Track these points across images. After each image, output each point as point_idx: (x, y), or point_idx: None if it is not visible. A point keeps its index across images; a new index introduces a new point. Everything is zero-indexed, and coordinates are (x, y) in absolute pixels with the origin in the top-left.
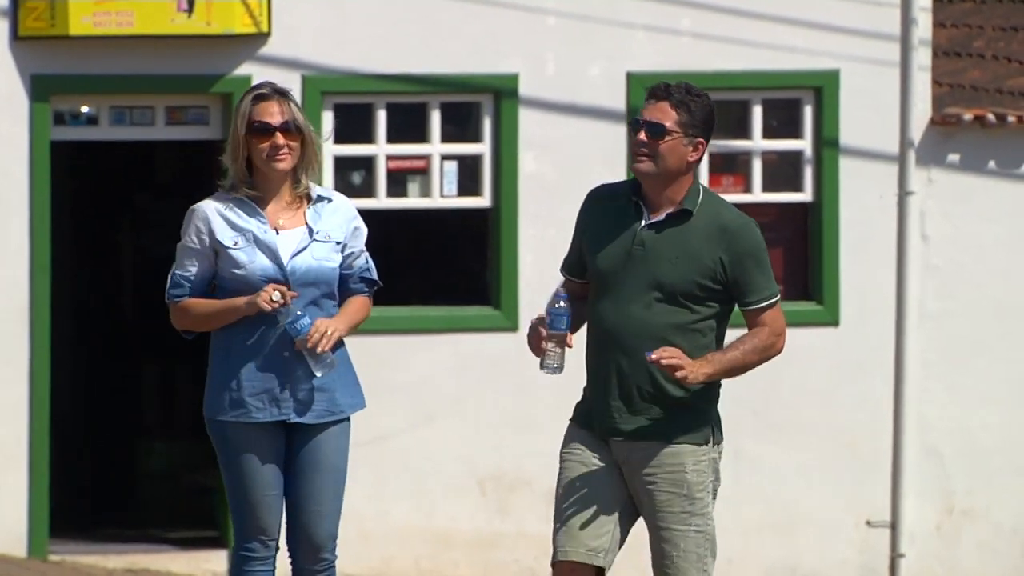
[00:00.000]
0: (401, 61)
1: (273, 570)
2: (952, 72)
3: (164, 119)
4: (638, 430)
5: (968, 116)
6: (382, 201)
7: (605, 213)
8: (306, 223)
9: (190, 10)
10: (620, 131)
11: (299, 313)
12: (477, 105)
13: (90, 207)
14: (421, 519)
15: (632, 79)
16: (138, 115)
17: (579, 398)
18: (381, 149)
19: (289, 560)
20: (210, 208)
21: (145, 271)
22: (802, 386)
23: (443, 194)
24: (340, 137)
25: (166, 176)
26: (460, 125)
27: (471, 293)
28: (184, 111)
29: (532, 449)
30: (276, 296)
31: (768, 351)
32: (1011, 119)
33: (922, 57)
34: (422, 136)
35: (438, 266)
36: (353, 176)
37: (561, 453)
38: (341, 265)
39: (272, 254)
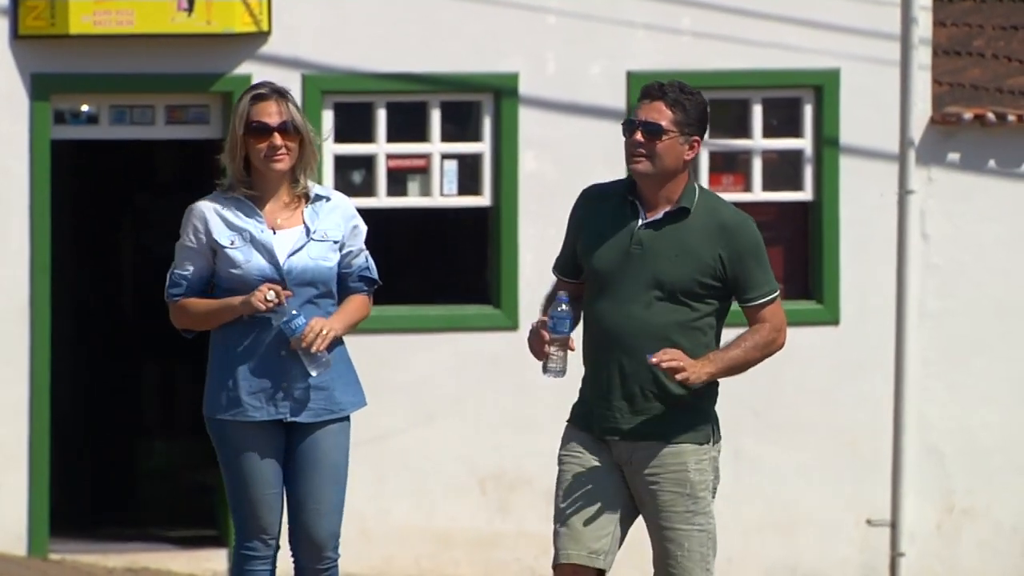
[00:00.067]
0: (401, 60)
1: (274, 569)
2: (952, 71)
3: (164, 118)
4: (640, 430)
5: (968, 115)
6: (382, 200)
7: (600, 213)
8: (304, 222)
9: (190, 9)
10: (621, 130)
11: (294, 312)
12: (477, 104)
13: (90, 206)
14: (421, 518)
15: (632, 78)
16: (138, 114)
17: (576, 398)
18: (381, 148)
19: (292, 559)
20: (208, 207)
21: (145, 271)
22: (802, 385)
23: (443, 193)
24: (340, 136)
25: (166, 175)
26: (460, 124)
27: (471, 292)
28: (184, 110)
29: (533, 448)
30: (270, 295)
31: (770, 347)
32: (1011, 118)
33: (922, 56)
34: (422, 135)
35: (438, 265)
36: (353, 175)
37: (559, 455)
38: (340, 264)
39: (268, 254)
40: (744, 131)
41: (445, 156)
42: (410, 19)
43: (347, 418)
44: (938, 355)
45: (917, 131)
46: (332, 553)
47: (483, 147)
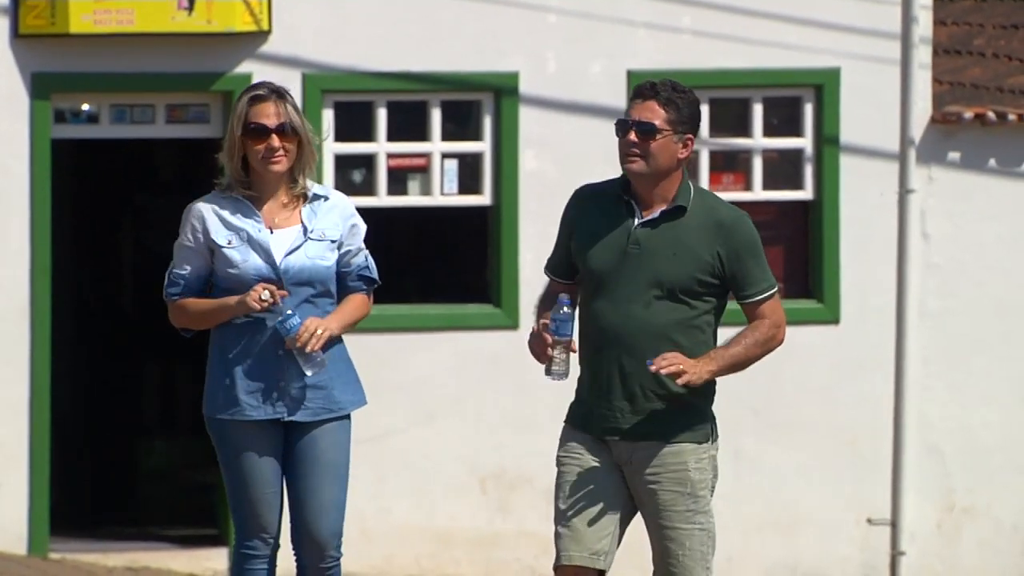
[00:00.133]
0: (401, 59)
1: (273, 568)
2: (953, 70)
3: (164, 117)
4: (640, 430)
5: (969, 114)
6: (382, 199)
7: (593, 213)
8: (301, 222)
9: (190, 8)
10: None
11: (289, 312)
12: (478, 103)
13: (91, 206)
14: (422, 518)
15: (633, 77)
16: (138, 113)
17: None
18: (381, 147)
19: (294, 559)
20: (206, 207)
21: (145, 270)
22: (802, 384)
23: (443, 192)
24: (340, 135)
25: (167, 174)
26: (461, 123)
27: (471, 291)
28: (185, 109)
29: (533, 447)
30: (265, 295)
31: (770, 343)
32: (1012, 117)
33: (923, 55)
34: (422, 134)
35: (438, 264)
36: (353, 174)
37: (558, 456)
38: (339, 263)
39: (265, 253)
40: (744, 130)
41: (445, 155)
42: (410, 18)
43: (347, 417)
44: (938, 354)
45: (917, 130)
46: (334, 552)
47: (483, 146)
